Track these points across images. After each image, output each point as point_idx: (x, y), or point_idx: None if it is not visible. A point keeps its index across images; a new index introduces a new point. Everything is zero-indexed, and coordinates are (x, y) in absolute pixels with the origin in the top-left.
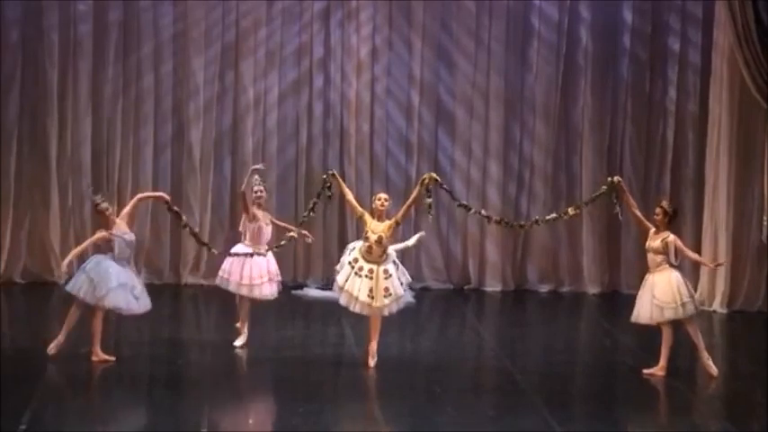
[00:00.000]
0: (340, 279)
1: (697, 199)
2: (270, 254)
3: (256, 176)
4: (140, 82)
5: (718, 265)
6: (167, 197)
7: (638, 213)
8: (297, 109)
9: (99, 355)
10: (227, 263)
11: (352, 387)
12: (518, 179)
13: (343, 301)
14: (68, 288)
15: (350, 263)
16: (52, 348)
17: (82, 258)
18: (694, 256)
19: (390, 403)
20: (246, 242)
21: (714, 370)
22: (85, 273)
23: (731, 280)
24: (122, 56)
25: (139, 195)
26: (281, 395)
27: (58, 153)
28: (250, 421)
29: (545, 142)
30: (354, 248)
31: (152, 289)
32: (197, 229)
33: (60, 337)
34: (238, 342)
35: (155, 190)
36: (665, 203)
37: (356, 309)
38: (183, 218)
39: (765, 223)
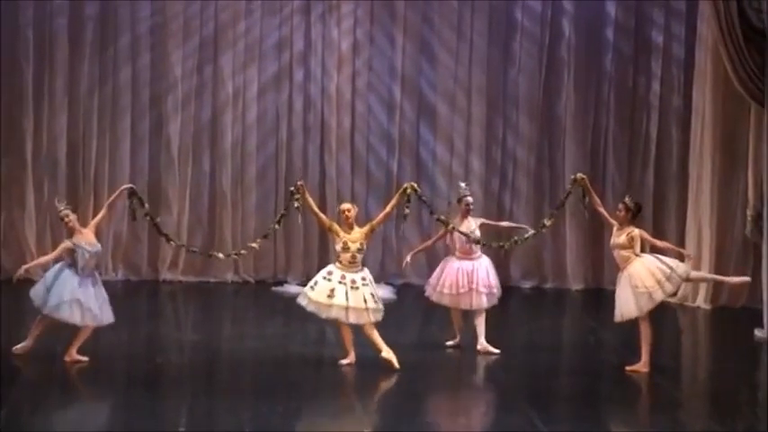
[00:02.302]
0: (339, 299)
1: (681, 194)
2: (481, 262)
3: (462, 184)
4: (117, 76)
5: (687, 255)
6: (131, 186)
7: (603, 210)
8: (277, 103)
9: (72, 355)
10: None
11: (332, 386)
12: (501, 174)
13: (353, 318)
14: (30, 293)
15: (339, 281)
16: (18, 349)
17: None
18: (663, 244)
19: (372, 402)
20: (458, 253)
21: (745, 278)
22: (44, 280)
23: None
24: (99, 49)
25: (107, 202)
26: (260, 394)
27: (34, 149)
28: (228, 420)
29: (528, 137)
30: (333, 270)
31: (129, 286)
32: (173, 225)
33: (27, 342)
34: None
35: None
36: (627, 199)
37: (371, 318)
38: (146, 206)
39: (749, 218)
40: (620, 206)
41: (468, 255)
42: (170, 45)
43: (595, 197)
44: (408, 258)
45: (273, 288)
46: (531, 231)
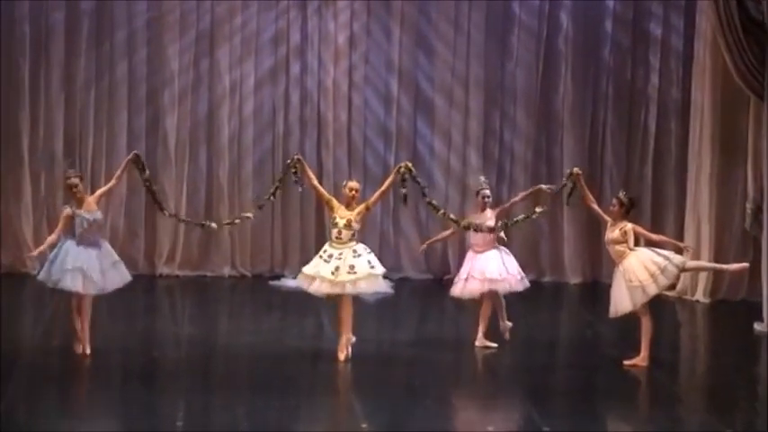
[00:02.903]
0: (307, 268)
1: (679, 187)
2: (489, 254)
3: (482, 178)
4: (114, 70)
5: (685, 247)
6: (136, 152)
7: (596, 207)
8: (273, 97)
9: (84, 338)
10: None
11: (329, 381)
12: (498, 168)
13: (304, 284)
14: (38, 277)
15: (320, 255)
16: (80, 348)
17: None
18: (658, 237)
19: (368, 397)
20: (475, 247)
21: (743, 264)
22: (48, 258)
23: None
24: (95, 44)
25: (116, 174)
26: (257, 389)
27: (30, 144)
28: (225, 416)
29: (525, 131)
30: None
31: None
32: (171, 220)
33: (79, 335)
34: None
35: (129, 179)
36: (621, 194)
37: (322, 288)
38: (147, 172)
39: (749, 212)
40: (614, 201)
41: (482, 247)
42: (166, 39)
43: (589, 194)
44: (424, 246)
45: (270, 282)
46: (546, 187)
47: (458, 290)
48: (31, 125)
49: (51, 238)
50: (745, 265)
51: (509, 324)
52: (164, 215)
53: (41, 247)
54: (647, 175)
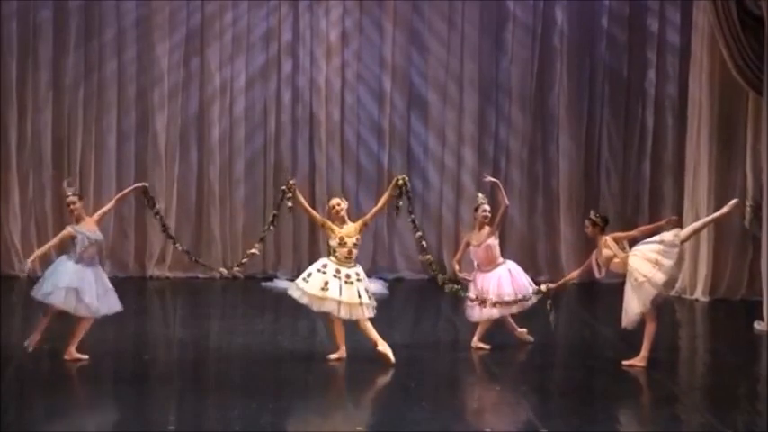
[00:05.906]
0: (332, 292)
1: (677, 185)
2: (495, 272)
3: (480, 195)
4: (103, 69)
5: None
6: (144, 185)
7: (577, 273)
8: (265, 96)
9: (72, 354)
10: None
11: (323, 382)
12: (493, 167)
13: (344, 313)
14: (32, 293)
15: (334, 275)
16: (29, 344)
17: (49, 259)
18: (638, 230)
19: (363, 399)
20: (483, 267)
21: (733, 201)
22: (45, 273)
23: (713, 268)
24: (84, 42)
25: (117, 196)
26: (250, 391)
27: (18, 143)
28: (218, 418)
29: (521, 128)
30: (328, 263)
31: (117, 282)
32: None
33: (35, 335)
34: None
35: (118, 180)
36: (592, 215)
37: (364, 314)
38: (158, 206)
39: (748, 209)
40: (587, 223)
41: (487, 266)
42: (156, 37)
43: (565, 282)
44: (462, 275)
45: (263, 283)
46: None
47: (476, 315)
48: (18, 124)
49: (43, 250)
50: (736, 200)
51: (524, 330)
52: (176, 249)
53: (32, 257)
54: (645, 171)
